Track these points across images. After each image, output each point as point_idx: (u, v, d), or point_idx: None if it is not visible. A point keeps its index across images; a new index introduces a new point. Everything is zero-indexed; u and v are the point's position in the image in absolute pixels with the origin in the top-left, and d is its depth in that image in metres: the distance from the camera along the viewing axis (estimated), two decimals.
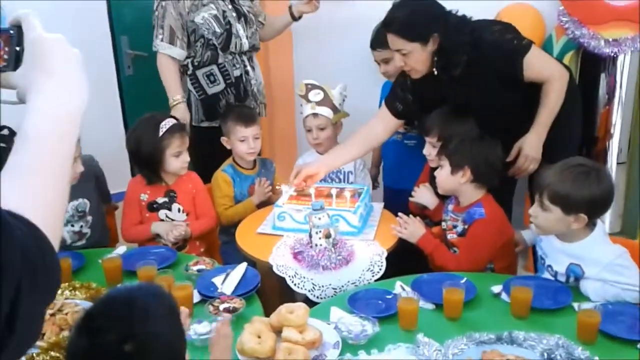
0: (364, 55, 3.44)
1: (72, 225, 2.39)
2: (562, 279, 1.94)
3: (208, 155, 2.69)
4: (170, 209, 2.48)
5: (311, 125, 2.68)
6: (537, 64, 2.25)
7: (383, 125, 2.52)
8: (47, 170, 0.74)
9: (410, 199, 2.46)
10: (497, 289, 1.92)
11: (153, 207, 2.47)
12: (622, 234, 3.08)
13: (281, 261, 2.10)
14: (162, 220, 2.48)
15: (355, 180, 2.73)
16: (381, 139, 2.57)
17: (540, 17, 3.04)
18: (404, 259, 2.22)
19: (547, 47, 3.02)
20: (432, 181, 2.52)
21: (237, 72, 2.84)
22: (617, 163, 3.15)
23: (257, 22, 2.90)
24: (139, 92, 4.27)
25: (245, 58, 2.86)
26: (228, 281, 1.97)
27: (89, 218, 2.43)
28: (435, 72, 2.29)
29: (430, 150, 2.40)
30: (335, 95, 2.66)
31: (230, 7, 2.78)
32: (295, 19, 2.94)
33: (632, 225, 3.12)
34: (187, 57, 2.74)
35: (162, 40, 2.68)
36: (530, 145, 2.26)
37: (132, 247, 2.36)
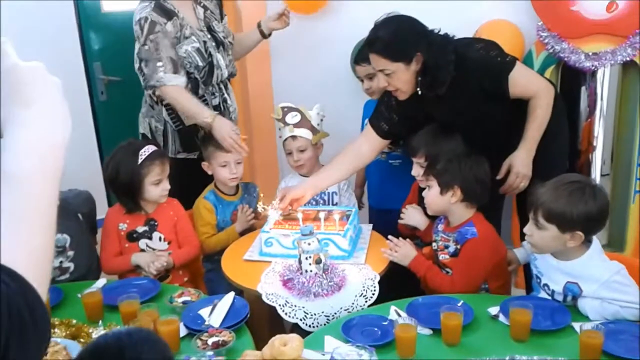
0: (344, 72, 3.42)
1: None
2: (560, 298, 1.90)
3: (185, 186, 2.56)
4: (150, 238, 2.39)
5: (291, 147, 2.62)
6: (522, 80, 2.23)
7: (369, 145, 2.47)
8: (33, 214, 0.66)
9: (400, 221, 2.41)
10: (494, 310, 1.87)
11: (133, 236, 2.38)
12: (609, 246, 3.07)
13: (270, 289, 2.02)
14: (143, 250, 2.38)
15: (340, 201, 2.67)
16: (367, 160, 2.52)
17: (520, 32, 3.04)
18: (396, 282, 2.16)
19: (527, 62, 3.01)
20: (422, 201, 2.48)
21: (215, 101, 2.76)
22: (601, 175, 3.14)
23: (228, 45, 2.84)
24: (113, 117, 4.19)
25: (222, 86, 2.79)
26: (215, 313, 1.88)
27: (70, 253, 2.31)
28: (420, 92, 2.25)
29: (418, 171, 2.35)
30: (312, 115, 2.62)
31: (209, 36, 2.70)
32: (265, 36, 2.86)
33: (618, 237, 3.11)
34: (149, 81, 2.58)
35: (164, 72, 2.52)
36: (521, 162, 2.23)
37: (112, 280, 2.26)
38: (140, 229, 2.38)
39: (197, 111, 2.52)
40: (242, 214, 2.60)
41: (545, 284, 1.95)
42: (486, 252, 2.03)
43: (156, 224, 2.39)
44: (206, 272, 2.64)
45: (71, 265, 2.32)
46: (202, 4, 2.72)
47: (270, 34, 2.86)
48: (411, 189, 2.56)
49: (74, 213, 2.35)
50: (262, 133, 3.53)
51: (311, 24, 3.27)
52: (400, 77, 2.21)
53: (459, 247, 2.06)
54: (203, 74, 2.67)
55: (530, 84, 2.25)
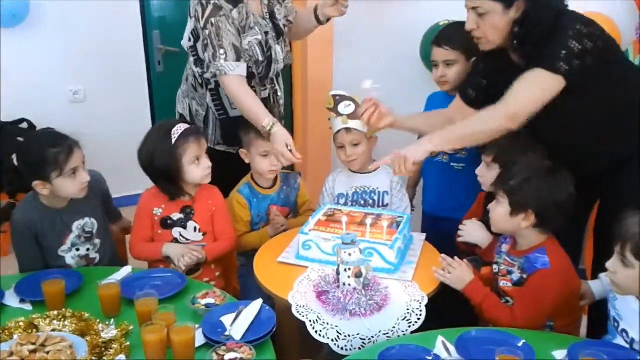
0: (408, 62, 3.15)
1: (78, 249, 2.13)
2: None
3: (221, 181, 2.33)
4: (185, 227, 2.21)
5: (343, 141, 2.36)
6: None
7: (459, 113, 2.23)
8: None
9: (459, 239, 2.14)
10: (559, 354, 1.60)
11: (167, 223, 2.20)
12: None
13: (302, 301, 1.80)
14: (176, 239, 2.21)
15: (391, 202, 2.41)
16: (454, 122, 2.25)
17: (616, 29, 2.67)
18: (445, 302, 1.90)
19: None
20: (487, 213, 2.19)
21: (265, 94, 2.52)
22: None
23: (287, 22, 2.57)
24: (169, 90, 4.03)
25: (274, 77, 2.55)
26: (239, 322, 1.68)
27: (97, 241, 2.17)
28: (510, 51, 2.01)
29: (483, 171, 2.08)
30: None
31: (271, 25, 2.45)
32: (320, 22, 2.54)
33: None
34: (208, 68, 2.35)
35: (226, 59, 2.25)
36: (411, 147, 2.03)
37: (139, 270, 2.09)
38: (176, 216, 2.21)
39: (256, 112, 2.25)
40: (272, 222, 2.39)
41: (624, 330, 1.65)
42: (557, 286, 1.73)
43: (193, 212, 2.21)
44: (240, 266, 2.45)
45: (97, 257, 2.18)
46: None
47: (327, 21, 2.55)
48: (477, 200, 2.27)
49: (98, 194, 2.19)
50: (316, 124, 3.30)
51: (377, 9, 2.99)
52: (494, 21, 1.96)
53: (525, 276, 1.77)
54: (261, 69, 2.45)
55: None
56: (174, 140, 2.10)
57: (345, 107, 2.29)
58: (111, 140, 4.02)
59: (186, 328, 1.58)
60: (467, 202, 2.37)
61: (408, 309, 1.78)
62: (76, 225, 2.11)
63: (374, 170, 2.34)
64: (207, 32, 2.27)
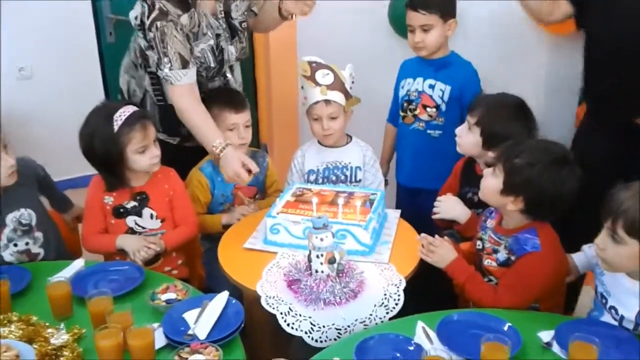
0: (378, 25, 2.98)
1: (16, 245, 1.93)
2: (630, 326, 1.52)
3: None
4: (140, 215, 2.04)
5: (321, 113, 2.18)
6: None
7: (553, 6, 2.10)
8: None
9: (435, 216, 2.02)
10: (546, 336, 1.52)
11: (120, 212, 2.03)
12: None
13: (272, 291, 1.67)
14: (131, 228, 2.04)
15: (364, 178, 2.29)
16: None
17: None
18: (423, 284, 1.79)
19: None
20: (465, 184, 2.08)
21: (215, 84, 2.33)
22: None
23: (250, 13, 2.36)
24: (120, 60, 3.80)
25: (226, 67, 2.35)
26: (203, 319, 1.55)
27: (37, 234, 1.97)
28: None
29: (463, 131, 2.01)
30: (346, 77, 2.19)
31: (224, 26, 2.24)
32: (284, 17, 2.30)
33: None
34: (149, 49, 2.13)
35: (171, 68, 2.04)
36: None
37: (92, 262, 1.92)
38: (129, 204, 2.03)
39: (205, 133, 2.05)
40: (235, 208, 2.24)
41: (613, 307, 1.57)
42: (547, 270, 1.62)
43: (147, 198, 2.04)
44: (205, 251, 2.30)
45: (40, 252, 1.98)
46: None
47: (292, 17, 2.28)
48: (453, 171, 2.16)
49: (32, 182, 2.00)
50: (282, 91, 3.12)
51: None
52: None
53: (512, 258, 1.66)
54: (212, 74, 2.26)
55: None
56: (116, 128, 1.89)
57: (324, 77, 2.13)
58: (61, 118, 3.79)
59: (144, 331, 1.43)
60: (444, 172, 2.26)
61: (385, 295, 1.66)
62: (10, 218, 1.90)
63: (346, 144, 2.21)
64: (151, 34, 2.05)
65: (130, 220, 2.04)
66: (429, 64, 2.34)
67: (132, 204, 2.03)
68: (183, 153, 2.30)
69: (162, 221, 2.07)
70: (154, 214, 2.05)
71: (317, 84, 2.14)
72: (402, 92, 2.41)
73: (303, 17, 2.22)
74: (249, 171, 2.02)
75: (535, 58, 2.82)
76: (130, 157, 1.94)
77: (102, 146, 1.90)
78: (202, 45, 2.19)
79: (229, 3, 2.26)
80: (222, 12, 2.24)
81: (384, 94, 2.55)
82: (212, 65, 2.24)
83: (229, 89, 2.37)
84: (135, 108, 1.96)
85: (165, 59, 2.04)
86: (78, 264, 1.86)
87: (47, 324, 1.58)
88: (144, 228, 2.05)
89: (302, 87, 2.23)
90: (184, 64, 2.07)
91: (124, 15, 3.68)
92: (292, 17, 2.28)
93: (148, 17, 2.04)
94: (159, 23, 2.02)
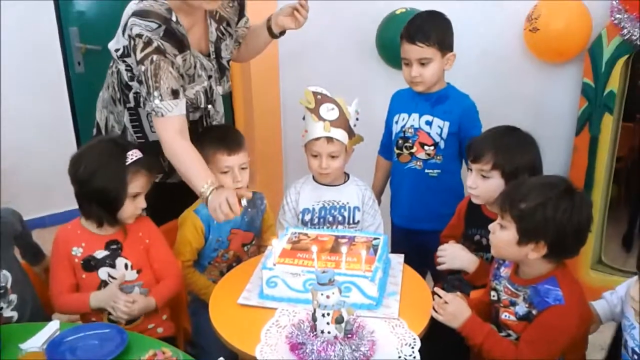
0: (367, 54, 2.88)
1: None
2: None
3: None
4: (113, 266, 1.85)
5: (321, 151, 2.02)
6: None
7: None
8: None
9: (439, 267, 1.89)
10: None
11: (90, 265, 1.83)
12: None
13: (273, 355, 1.50)
14: (104, 281, 1.84)
15: (362, 219, 2.14)
16: None
17: (587, 12, 2.48)
18: (439, 345, 1.63)
19: (595, 50, 2.46)
20: (469, 226, 1.95)
21: (195, 116, 2.17)
22: None
23: (235, 44, 2.22)
24: (92, 93, 3.58)
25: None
26: None
27: (12, 297, 1.76)
28: None
29: (477, 182, 1.84)
30: (351, 113, 2.03)
31: (215, 67, 2.11)
32: (274, 35, 2.17)
33: None
34: (130, 86, 2.03)
35: (161, 100, 1.88)
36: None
37: (68, 325, 1.70)
38: (100, 254, 1.84)
39: (193, 174, 1.87)
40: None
41: None
42: (573, 323, 1.48)
43: (120, 247, 1.85)
44: (191, 302, 2.11)
45: (14, 315, 1.76)
46: (217, 16, 2.09)
47: (282, 33, 2.18)
48: (456, 211, 2.02)
49: (9, 242, 1.80)
50: (265, 124, 2.96)
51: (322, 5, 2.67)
52: None
53: (534, 312, 1.52)
54: (200, 115, 2.15)
55: None
56: (127, 163, 1.79)
57: (328, 111, 1.98)
58: (28, 151, 3.59)
59: None
60: (443, 212, 2.13)
61: (400, 357, 1.50)
62: None
63: (344, 183, 2.06)
64: (143, 68, 1.87)
65: (103, 273, 1.84)
66: (425, 98, 2.18)
67: (104, 253, 1.84)
68: (166, 190, 2.12)
69: (138, 272, 1.87)
70: (129, 263, 1.86)
71: (320, 118, 1.99)
72: (396, 128, 2.26)
73: (298, 29, 2.12)
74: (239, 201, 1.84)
75: (527, 86, 2.74)
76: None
77: (104, 179, 1.77)
78: (197, 87, 2.05)
79: (220, 41, 2.12)
80: (214, 52, 2.10)
81: (377, 126, 2.41)
82: (203, 106, 2.10)
83: (223, 125, 2.23)
84: (141, 153, 1.86)
85: (156, 92, 1.88)
86: (52, 327, 1.65)
87: None
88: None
89: (304, 118, 2.07)
90: (175, 96, 1.91)
91: (95, 44, 3.54)
92: (281, 34, 2.18)
93: (142, 51, 1.87)
94: (155, 57, 1.87)
